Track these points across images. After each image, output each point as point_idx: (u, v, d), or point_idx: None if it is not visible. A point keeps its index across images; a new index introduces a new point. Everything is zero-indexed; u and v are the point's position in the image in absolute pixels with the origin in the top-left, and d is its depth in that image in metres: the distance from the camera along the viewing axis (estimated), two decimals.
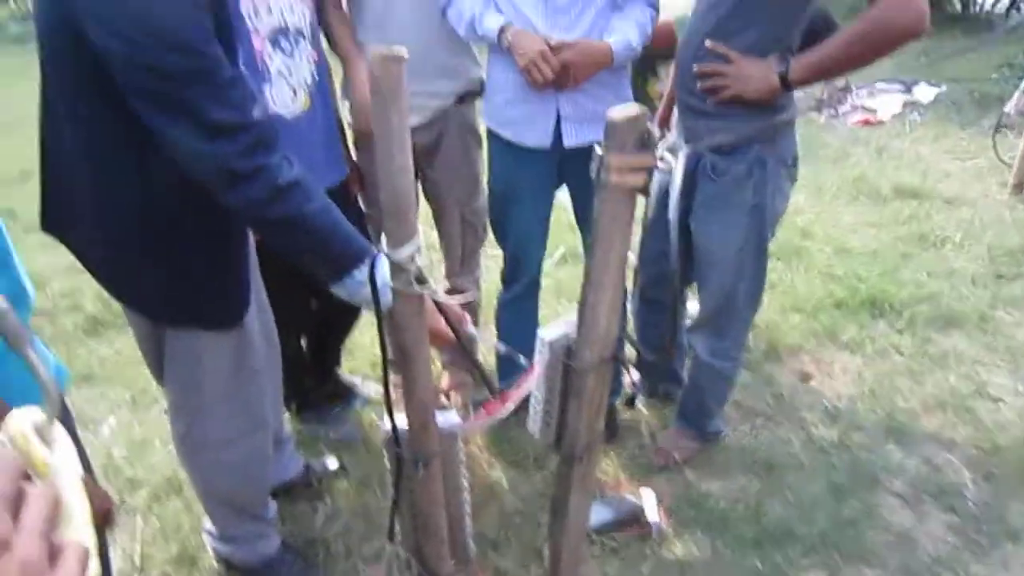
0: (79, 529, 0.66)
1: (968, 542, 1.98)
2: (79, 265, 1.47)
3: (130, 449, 2.42)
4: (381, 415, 2.47)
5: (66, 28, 1.12)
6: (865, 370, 2.68)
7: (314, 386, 2.42)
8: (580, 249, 3.48)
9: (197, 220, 1.35)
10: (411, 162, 1.03)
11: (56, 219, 1.44)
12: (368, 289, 1.14)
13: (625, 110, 1.23)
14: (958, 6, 10.05)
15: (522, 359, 1.39)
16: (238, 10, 1.75)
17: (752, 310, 2.05)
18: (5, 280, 1.00)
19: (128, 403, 2.68)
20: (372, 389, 2.58)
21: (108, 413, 2.62)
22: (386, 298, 1.16)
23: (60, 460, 0.71)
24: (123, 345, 2.99)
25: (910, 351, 2.77)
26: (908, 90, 6.22)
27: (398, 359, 1.19)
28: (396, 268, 1.08)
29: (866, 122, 5.71)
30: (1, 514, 0.46)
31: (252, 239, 1.58)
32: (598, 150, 1.24)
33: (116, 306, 3.08)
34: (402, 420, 1.30)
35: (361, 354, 2.80)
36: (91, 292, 3.37)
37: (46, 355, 0.79)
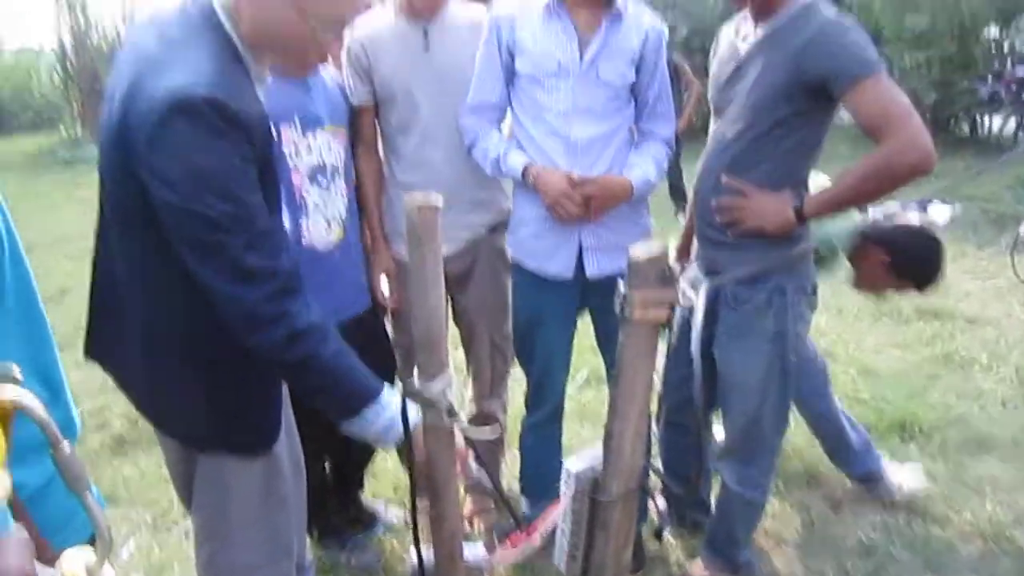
0: None
1: None
2: (110, 383, 1.51)
3: (149, 573, 2.39)
4: (403, 540, 2.44)
5: (126, 171, 1.21)
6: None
7: (336, 511, 2.40)
8: (603, 371, 3.50)
9: (235, 352, 1.41)
10: (443, 301, 1.09)
11: (100, 346, 1.50)
12: (376, 427, 1.19)
13: (647, 248, 1.30)
14: (966, 129, 10.35)
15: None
16: (281, 150, 1.88)
17: (779, 436, 2.04)
18: (58, 411, 1.04)
19: (149, 525, 2.66)
20: (394, 515, 2.55)
21: (129, 535, 2.60)
22: (396, 431, 1.20)
23: None
24: (147, 465, 3.00)
25: (943, 477, 2.70)
26: (923, 210, 6.32)
27: (427, 491, 1.20)
28: (427, 402, 1.12)
29: None
30: None
31: None
32: (621, 286, 1.29)
33: (143, 425, 3.13)
34: (427, 550, 1.29)
35: (384, 478, 2.78)
36: (119, 410, 3.41)
37: (100, 499, 0.83)
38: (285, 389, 1.66)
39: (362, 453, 2.44)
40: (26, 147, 12.94)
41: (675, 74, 6.57)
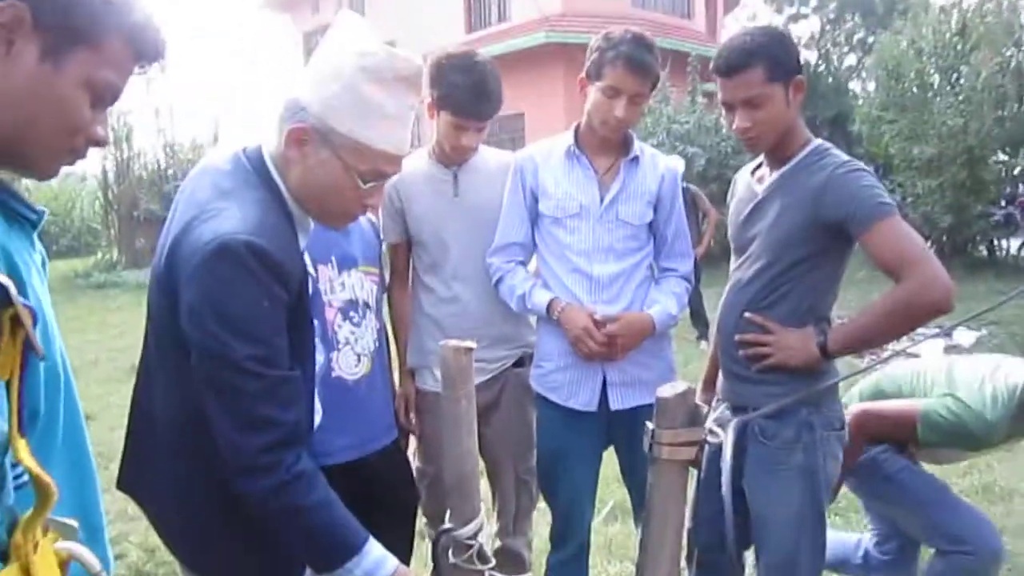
0: None
1: None
2: (128, 512, 1.51)
3: None
4: None
5: (169, 312, 1.27)
6: None
7: None
8: (629, 503, 3.43)
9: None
10: (476, 446, 1.11)
11: (133, 479, 1.52)
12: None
13: (674, 387, 1.32)
14: (984, 252, 10.44)
15: None
16: (316, 287, 1.96)
17: (815, 574, 1.97)
18: (96, 549, 1.05)
19: None
20: None
21: None
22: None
23: None
24: None
25: None
26: (948, 335, 6.29)
27: None
28: (460, 545, 1.11)
29: None
30: None
31: None
32: (649, 425, 1.31)
33: (160, 556, 3.08)
34: None
35: None
36: (136, 540, 3.36)
37: None
38: None
39: None
40: (62, 270, 13.36)
41: (693, 204, 6.79)
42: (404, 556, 2.33)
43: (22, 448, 0.74)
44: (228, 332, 1.18)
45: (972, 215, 9.69)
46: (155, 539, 3.09)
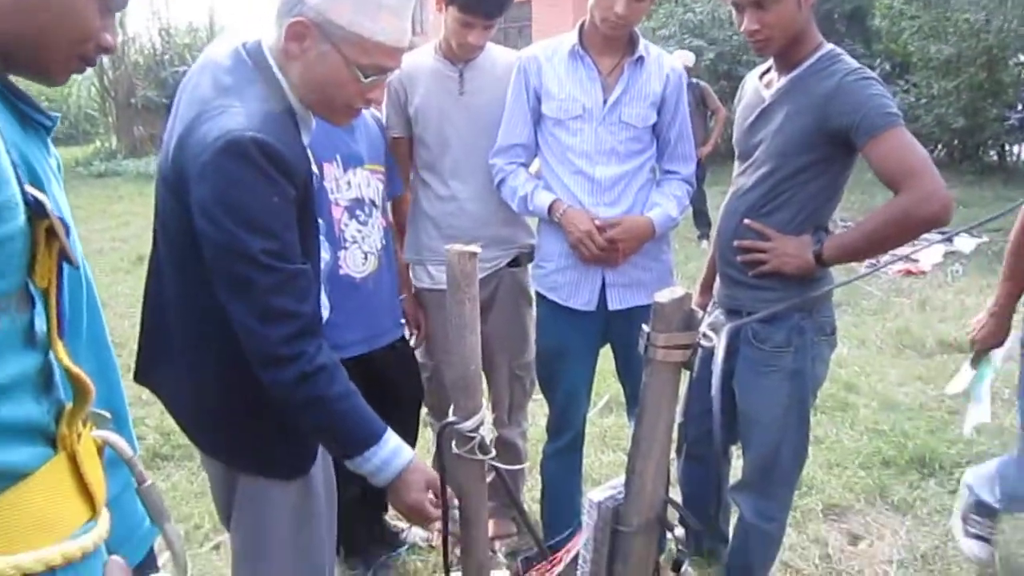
0: None
1: None
2: (143, 397, 1.60)
3: None
4: (427, 562, 2.50)
5: (177, 206, 1.30)
6: (916, 533, 2.63)
7: (362, 531, 2.47)
8: (623, 397, 3.55)
9: None
10: (479, 344, 1.16)
11: (148, 369, 1.59)
12: (370, 466, 1.29)
13: (671, 292, 1.36)
14: (995, 157, 10.28)
15: None
16: (322, 185, 1.97)
17: (796, 471, 2.08)
18: (125, 434, 1.12)
19: (181, 539, 2.74)
20: (417, 535, 2.61)
21: (161, 548, 2.68)
22: (386, 475, 1.30)
23: None
24: (179, 479, 3.09)
25: None
26: (949, 240, 6.31)
27: (459, 521, 1.27)
28: (462, 438, 1.19)
29: (907, 272, 5.78)
30: None
31: None
32: (645, 328, 1.36)
33: (175, 439, 3.23)
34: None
35: None
36: (152, 424, 3.51)
37: (178, 531, 0.91)
38: None
39: None
40: (62, 158, 13.22)
41: (701, 100, 6.64)
42: (410, 445, 2.46)
43: (60, 349, 0.78)
44: (241, 227, 1.21)
45: (987, 118, 9.47)
46: (170, 423, 3.23)
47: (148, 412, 3.46)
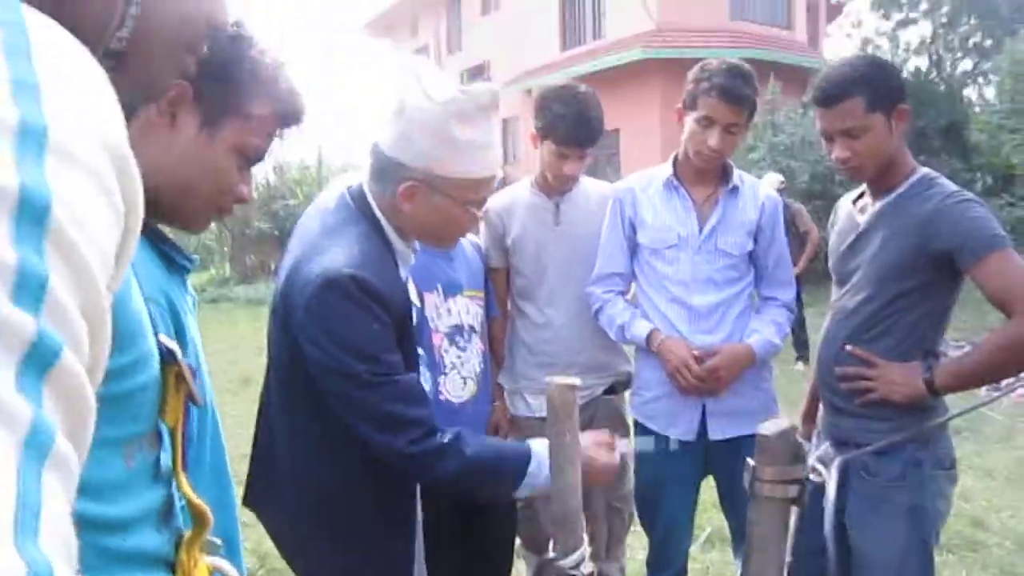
0: None
1: None
2: (243, 519, 1.64)
3: None
4: None
5: (286, 337, 1.40)
6: None
7: None
8: (727, 531, 3.38)
9: (380, 508, 1.52)
10: (580, 477, 1.16)
11: (257, 495, 1.65)
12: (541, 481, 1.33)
13: (775, 424, 1.33)
14: None
15: None
16: (424, 315, 2.06)
17: None
18: (236, 561, 1.16)
19: None
20: None
21: None
22: (535, 479, 1.35)
23: None
24: None
25: None
26: None
27: None
28: (563, 575, 1.17)
29: None
30: None
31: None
32: (750, 462, 1.32)
33: (271, 563, 3.25)
34: None
35: None
36: (251, 548, 3.54)
37: None
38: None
39: None
40: None
41: (792, 222, 6.61)
42: (504, 564, 2.40)
43: (184, 482, 0.85)
44: (344, 352, 1.31)
45: None
46: (266, 546, 3.28)
47: (247, 535, 3.50)
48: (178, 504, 0.88)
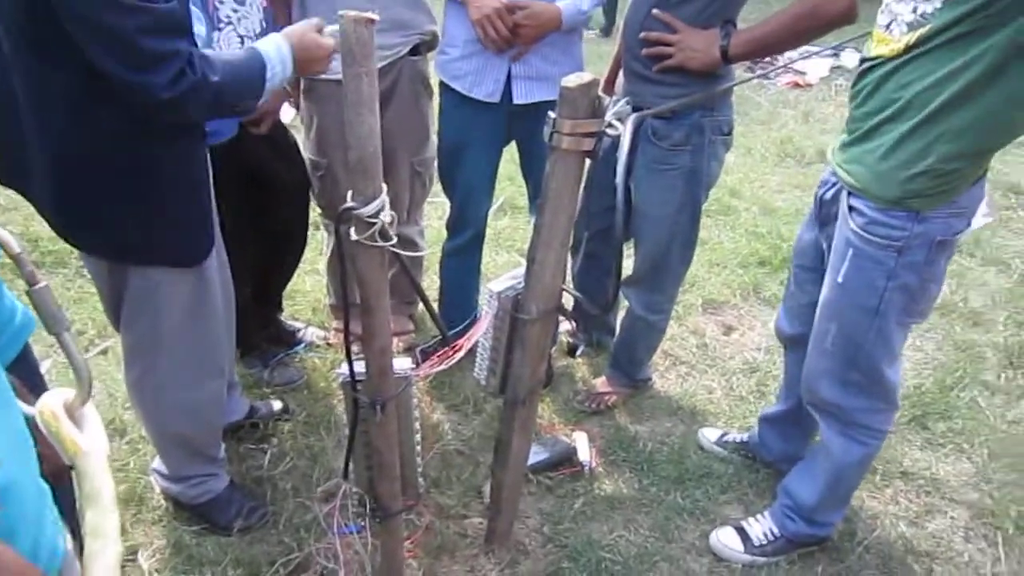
0: (106, 510, 0.72)
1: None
2: (2, 203, 1.48)
3: None
4: (324, 359, 2.54)
5: None
6: None
7: (257, 331, 2.45)
8: (519, 199, 3.57)
9: (158, 159, 1.39)
10: (379, 124, 1.09)
11: (12, 171, 1.45)
12: (280, 78, 1.41)
13: (578, 78, 1.31)
14: None
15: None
16: None
17: (684, 267, 2.18)
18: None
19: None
20: (314, 335, 2.62)
21: (44, 356, 2.58)
22: (289, 67, 1.42)
23: (89, 441, 0.76)
24: (54, 286, 2.92)
25: None
26: (836, 55, 6.44)
27: (361, 309, 1.26)
28: (362, 223, 1.14)
29: (794, 84, 5.92)
30: None
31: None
32: (551, 114, 1.31)
33: (44, 246, 3.02)
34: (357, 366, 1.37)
35: (303, 300, 2.83)
36: (18, 231, 3.26)
37: (73, 348, 0.84)
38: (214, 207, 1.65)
39: (281, 275, 2.47)
40: None
41: None
42: (300, 238, 2.39)
43: None
44: None
45: None
46: (37, 228, 3.02)
47: (9, 218, 3.19)
48: None
